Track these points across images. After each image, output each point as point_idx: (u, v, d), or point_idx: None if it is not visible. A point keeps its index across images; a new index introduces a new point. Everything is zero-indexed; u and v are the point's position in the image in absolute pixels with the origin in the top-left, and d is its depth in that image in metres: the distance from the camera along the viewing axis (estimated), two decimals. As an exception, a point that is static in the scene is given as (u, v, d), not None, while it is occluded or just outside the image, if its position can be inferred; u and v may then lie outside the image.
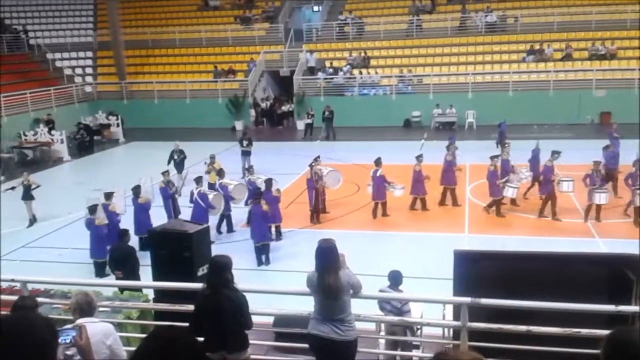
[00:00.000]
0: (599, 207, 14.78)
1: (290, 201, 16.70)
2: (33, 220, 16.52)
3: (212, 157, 17.72)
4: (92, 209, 13.07)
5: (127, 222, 13.71)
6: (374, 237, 14.71)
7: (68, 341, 3.98)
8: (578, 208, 15.59)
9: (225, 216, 15.30)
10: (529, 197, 16.57)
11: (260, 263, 13.32)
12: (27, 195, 16.40)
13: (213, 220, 14.92)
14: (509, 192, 15.65)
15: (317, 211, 15.99)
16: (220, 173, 16.00)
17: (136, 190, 14.32)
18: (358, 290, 5.66)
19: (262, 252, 13.40)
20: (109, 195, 13.82)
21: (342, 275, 5.47)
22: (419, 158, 16.34)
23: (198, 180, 15.06)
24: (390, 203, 16.10)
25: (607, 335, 2.39)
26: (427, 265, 12.08)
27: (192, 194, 14.62)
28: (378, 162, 15.96)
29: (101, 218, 13.08)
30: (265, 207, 13.39)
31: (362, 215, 16.26)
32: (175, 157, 19.26)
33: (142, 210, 14.13)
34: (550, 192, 15.13)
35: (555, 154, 15.35)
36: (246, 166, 19.98)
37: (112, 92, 32.83)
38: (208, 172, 16.84)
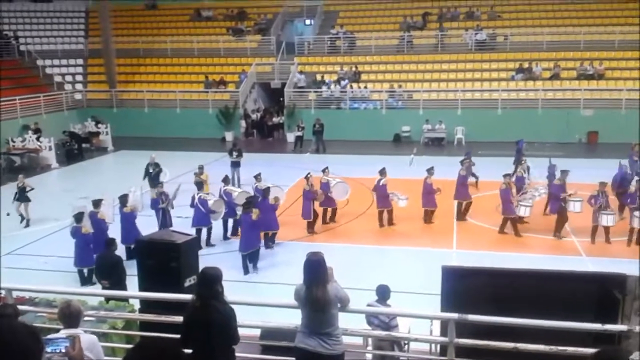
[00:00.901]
0: (607, 228, 14.60)
1: (280, 213, 16.67)
2: (27, 222, 16.72)
3: (201, 168, 17.67)
4: (78, 217, 12.98)
5: (115, 231, 13.61)
6: (362, 251, 14.70)
7: (58, 351, 3.93)
8: (566, 227, 15.53)
9: (224, 221, 15.42)
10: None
11: (246, 272, 13.29)
12: (23, 197, 16.69)
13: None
14: (521, 211, 15.50)
15: (314, 221, 15.98)
16: (226, 180, 16.16)
17: (123, 199, 14.25)
18: (346, 304, 5.64)
19: (249, 260, 13.39)
20: (97, 203, 13.72)
21: (330, 288, 5.47)
22: (430, 171, 16.33)
23: (200, 186, 15.17)
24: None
25: (593, 353, 2.41)
26: (415, 280, 12.06)
27: (192, 198, 14.91)
28: (382, 172, 16.08)
29: (87, 226, 12.99)
30: (254, 216, 13.36)
31: (351, 228, 16.26)
32: (151, 170, 18.44)
33: (128, 219, 14.06)
34: (560, 211, 15.02)
35: (564, 172, 15.33)
36: (236, 177, 20.05)
37: (102, 100, 32.69)
38: (196, 182, 16.77)
